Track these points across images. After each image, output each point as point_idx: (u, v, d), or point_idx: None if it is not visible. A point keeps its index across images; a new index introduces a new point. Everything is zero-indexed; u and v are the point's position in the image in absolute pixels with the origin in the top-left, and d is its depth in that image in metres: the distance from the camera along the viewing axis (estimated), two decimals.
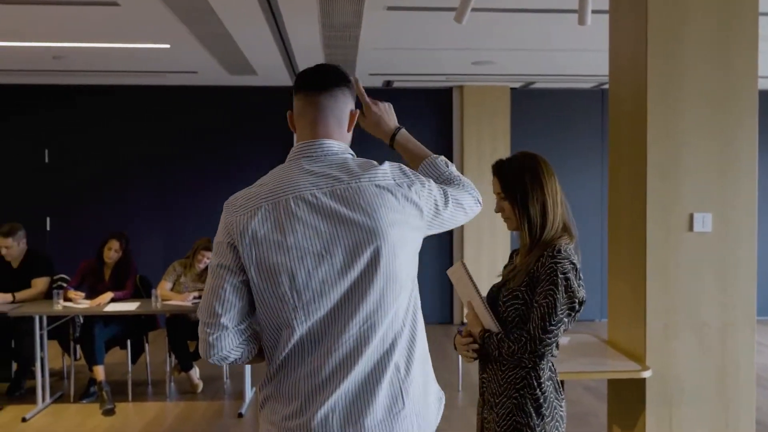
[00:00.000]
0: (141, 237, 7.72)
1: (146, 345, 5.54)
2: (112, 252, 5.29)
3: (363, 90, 1.83)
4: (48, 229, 7.78)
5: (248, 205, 1.55)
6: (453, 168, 1.81)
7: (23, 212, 7.62)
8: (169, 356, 5.45)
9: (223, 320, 1.54)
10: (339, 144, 1.63)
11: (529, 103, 8.18)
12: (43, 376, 5.09)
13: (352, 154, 1.65)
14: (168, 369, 5.49)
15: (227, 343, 1.56)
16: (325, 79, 1.65)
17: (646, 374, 3.20)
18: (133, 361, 5.55)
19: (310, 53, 6.32)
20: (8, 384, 5.41)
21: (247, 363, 1.68)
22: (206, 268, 5.36)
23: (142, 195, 7.89)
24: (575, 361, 3.29)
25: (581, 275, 2.08)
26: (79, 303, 5.06)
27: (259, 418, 1.66)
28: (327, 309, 1.52)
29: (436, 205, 1.64)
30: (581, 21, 3.08)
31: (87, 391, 5.25)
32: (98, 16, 4.91)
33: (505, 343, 2.05)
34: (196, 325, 1.65)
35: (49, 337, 5.34)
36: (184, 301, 5.13)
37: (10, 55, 6.24)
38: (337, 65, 1.72)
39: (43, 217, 7.77)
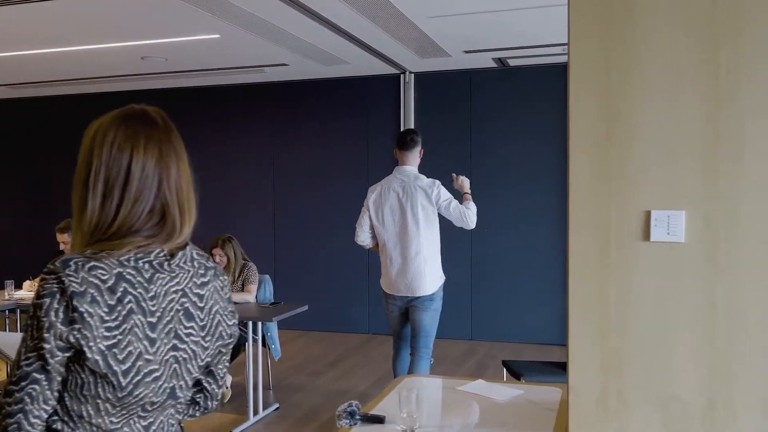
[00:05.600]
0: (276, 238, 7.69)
1: None
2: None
3: (454, 176, 4.53)
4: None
5: (373, 188, 4.37)
6: (468, 213, 4.30)
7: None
8: None
9: (360, 230, 4.39)
10: (411, 167, 4.33)
11: None
12: None
13: (416, 172, 4.33)
14: None
15: (362, 236, 4.37)
16: (409, 142, 4.34)
17: None
18: None
19: (371, 35, 5.63)
20: None
21: (373, 249, 4.45)
22: (231, 268, 5.14)
23: (285, 200, 7.85)
24: None
25: (98, 304, 1.19)
26: None
27: None
28: (393, 231, 4.27)
29: (441, 203, 4.26)
30: None
31: None
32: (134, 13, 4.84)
33: None
34: None
35: None
36: None
37: (100, 60, 6.53)
38: (415, 130, 4.73)
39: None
